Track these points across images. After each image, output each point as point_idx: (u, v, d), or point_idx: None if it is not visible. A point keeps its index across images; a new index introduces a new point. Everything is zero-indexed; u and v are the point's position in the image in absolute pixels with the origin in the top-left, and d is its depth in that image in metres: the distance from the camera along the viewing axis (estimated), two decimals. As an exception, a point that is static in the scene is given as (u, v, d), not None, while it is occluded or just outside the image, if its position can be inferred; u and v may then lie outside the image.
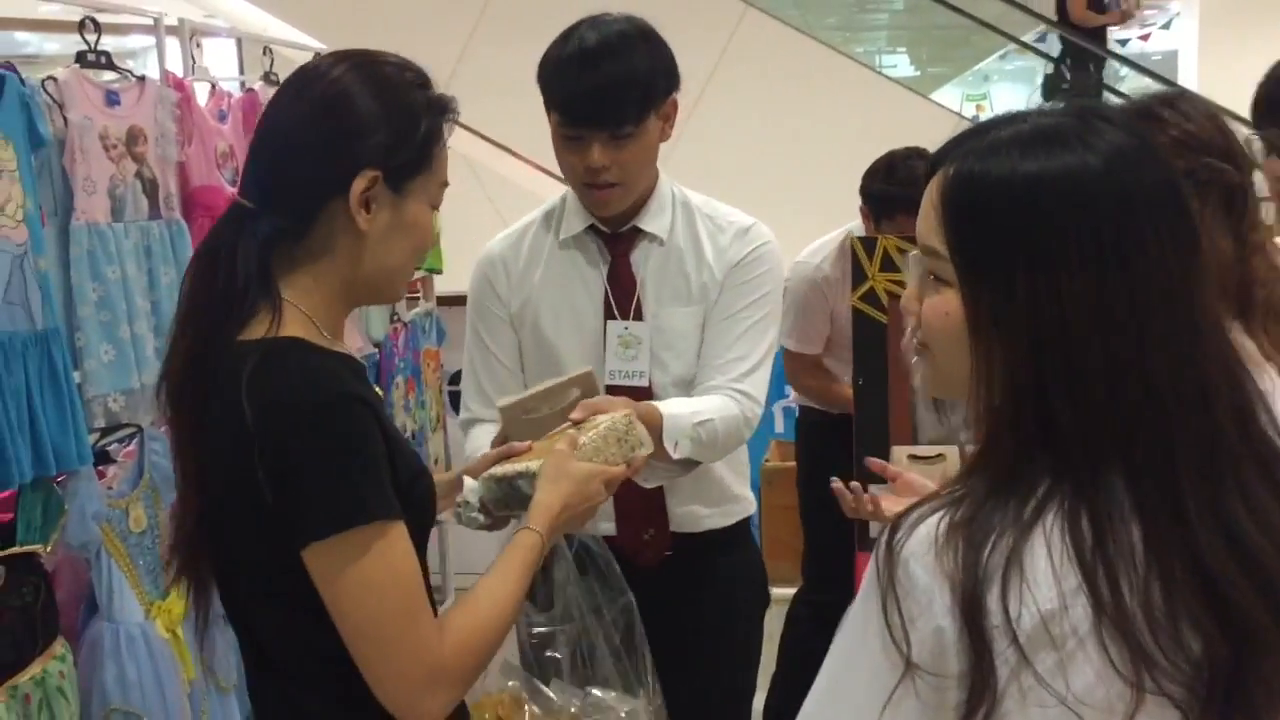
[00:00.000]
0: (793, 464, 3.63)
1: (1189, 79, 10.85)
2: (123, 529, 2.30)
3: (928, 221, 0.98)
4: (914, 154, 2.95)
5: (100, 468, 2.34)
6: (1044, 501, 0.88)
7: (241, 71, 3.45)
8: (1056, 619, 0.85)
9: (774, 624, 3.41)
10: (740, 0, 6.15)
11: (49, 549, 2.11)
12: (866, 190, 3.04)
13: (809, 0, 9.38)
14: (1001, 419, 0.91)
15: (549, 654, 1.84)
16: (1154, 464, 0.88)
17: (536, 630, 1.83)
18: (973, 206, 0.94)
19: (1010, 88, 14.94)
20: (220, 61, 3.48)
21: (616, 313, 2.02)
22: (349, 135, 1.30)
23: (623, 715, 1.69)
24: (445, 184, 1.43)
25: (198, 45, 2.67)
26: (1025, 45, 7.74)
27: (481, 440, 1.97)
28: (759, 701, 3.18)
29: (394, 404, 3.58)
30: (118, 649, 2.24)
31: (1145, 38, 14.17)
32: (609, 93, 1.87)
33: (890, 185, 2.96)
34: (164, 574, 2.34)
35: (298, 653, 1.33)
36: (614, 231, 2.04)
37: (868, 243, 2.50)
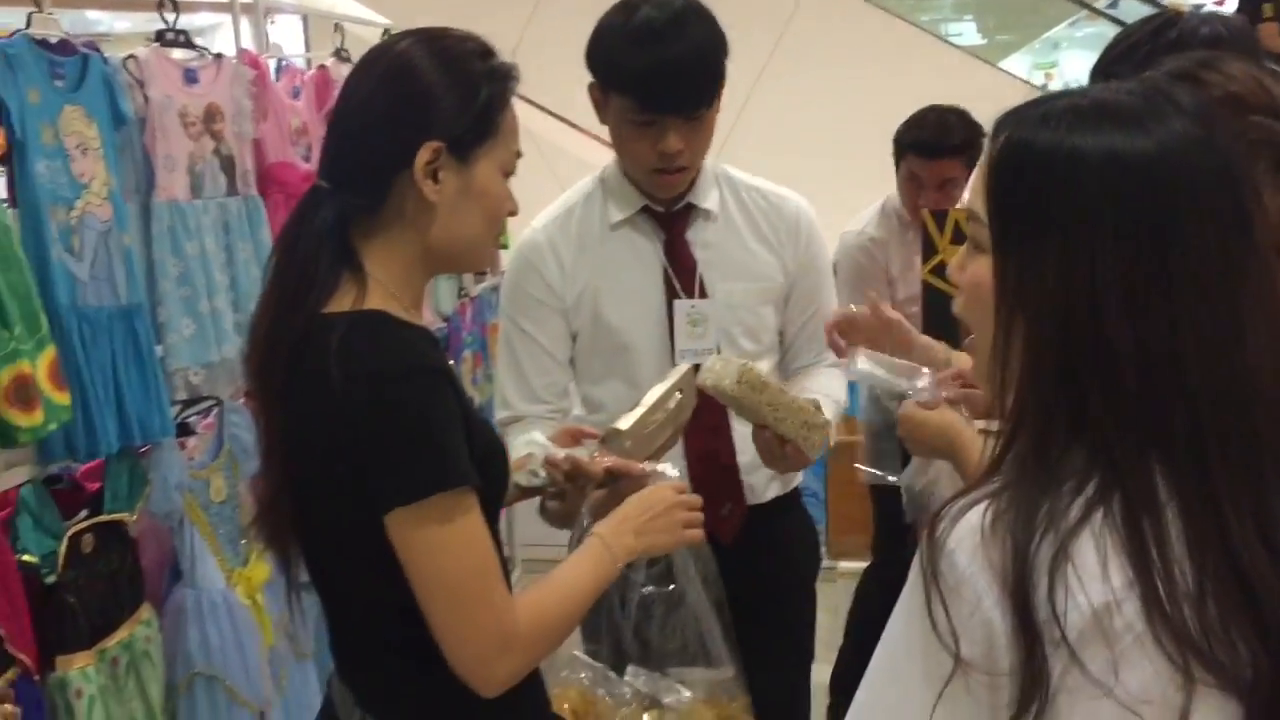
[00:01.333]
0: (859, 438, 3.62)
1: (1267, 44, 10.57)
2: (204, 499, 2.36)
3: (975, 187, 0.97)
4: (950, 110, 2.93)
5: (181, 439, 2.40)
6: (1090, 494, 0.85)
7: (307, 48, 3.49)
8: (1110, 614, 0.83)
9: (841, 598, 3.43)
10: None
11: (134, 517, 2.17)
12: (897, 142, 3.07)
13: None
14: (1028, 403, 0.89)
15: (642, 623, 1.84)
16: (1189, 459, 0.86)
17: (644, 590, 1.82)
18: (1015, 174, 0.92)
19: (1080, 55, 14.61)
20: (287, 39, 3.52)
21: (680, 291, 2.02)
22: (410, 109, 1.34)
23: (697, 696, 1.70)
24: (519, 152, 1.45)
25: (271, 22, 2.70)
26: (1097, 11, 7.55)
27: (538, 439, 1.90)
28: (824, 674, 3.20)
29: (461, 378, 3.62)
30: (200, 614, 2.29)
31: (1220, 1, 13.82)
32: (685, 74, 1.83)
33: (904, 128, 3.00)
34: (243, 539, 2.41)
35: (379, 612, 1.36)
36: (668, 210, 2.03)
37: (938, 215, 2.49)
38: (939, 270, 2.46)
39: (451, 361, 3.57)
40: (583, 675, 1.75)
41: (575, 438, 1.75)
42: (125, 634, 2.12)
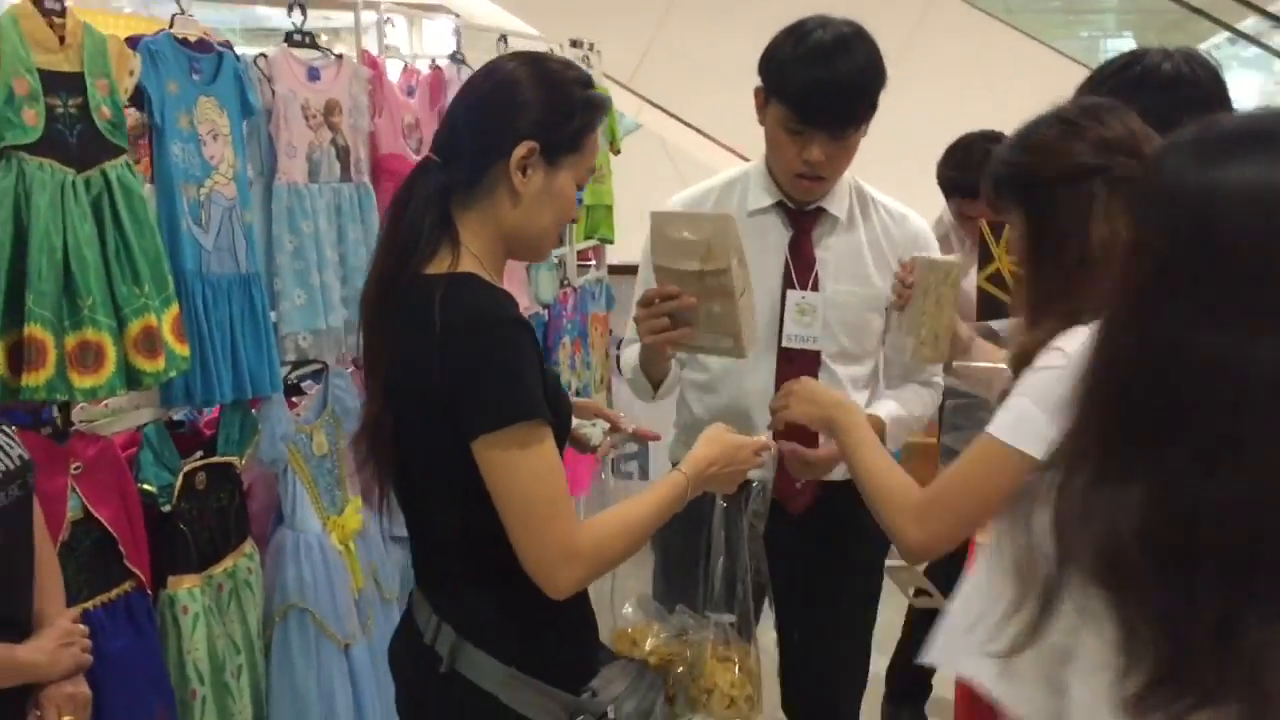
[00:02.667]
0: (934, 440, 3.72)
1: None
2: (307, 451, 2.64)
3: None
4: (988, 137, 3.04)
5: (292, 399, 2.68)
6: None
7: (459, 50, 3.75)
8: None
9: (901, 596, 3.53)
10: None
11: (243, 461, 2.46)
12: (940, 169, 3.20)
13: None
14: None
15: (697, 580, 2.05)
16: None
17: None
18: None
19: (1241, 74, 14.19)
20: (436, 41, 3.80)
21: (796, 282, 2.20)
22: (516, 112, 1.60)
23: (706, 638, 1.88)
24: (593, 170, 1.73)
25: (391, 25, 2.97)
26: (1238, 33, 7.40)
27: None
28: (882, 666, 3.32)
29: (559, 362, 3.85)
30: (298, 553, 2.57)
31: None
32: (840, 95, 2.05)
33: (949, 169, 3.13)
34: (339, 491, 2.68)
35: (455, 531, 1.60)
36: (800, 209, 2.22)
37: (995, 227, 2.60)
38: (995, 278, 2.57)
39: (548, 349, 3.81)
40: (640, 611, 1.96)
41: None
42: (230, 563, 2.40)
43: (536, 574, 1.52)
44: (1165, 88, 1.76)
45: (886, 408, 2.18)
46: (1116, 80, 1.80)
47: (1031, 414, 1.50)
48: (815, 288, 2.20)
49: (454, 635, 1.57)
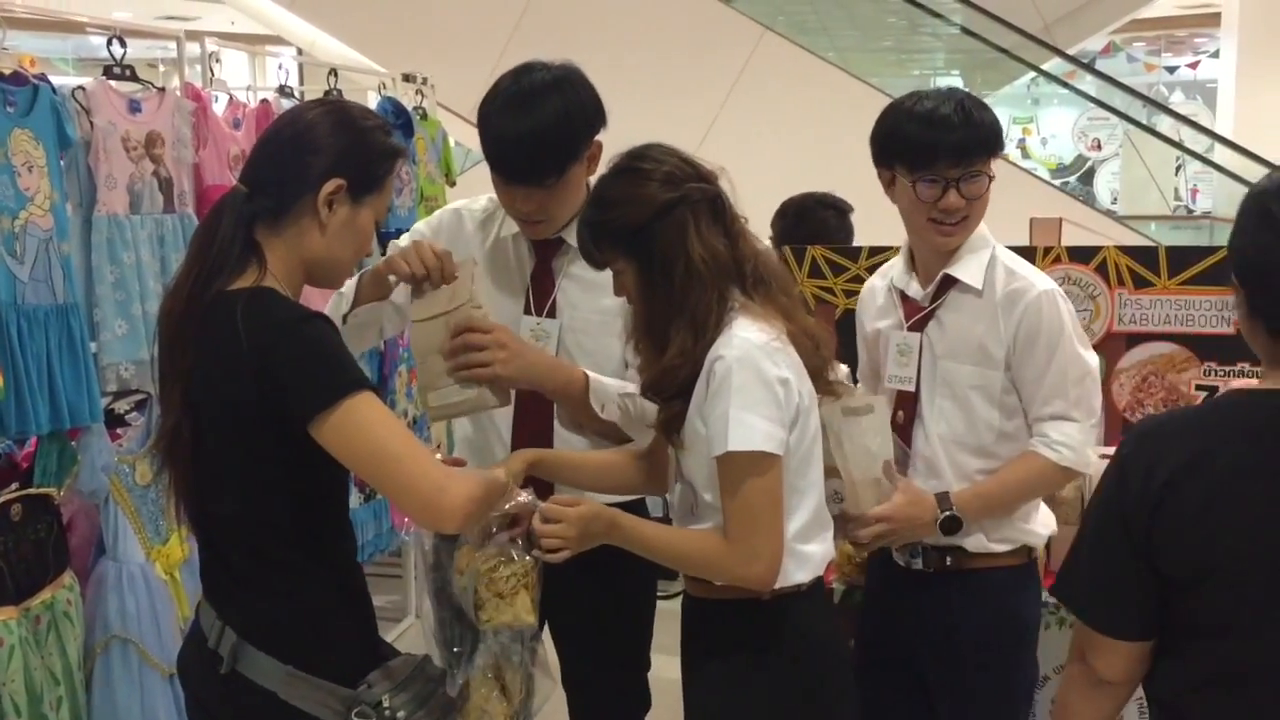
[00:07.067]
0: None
1: (1226, 108, 10.95)
2: (129, 481, 2.64)
3: None
4: (828, 204, 3.22)
5: (116, 430, 2.68)
6: None
7: (301, 82, 3.74)
8: None
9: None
10: (757, 24, 6.41)
11: (62, 492, 2.45)
12: (774, 225, 3.30)
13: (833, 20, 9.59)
14: None
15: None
16: None
17: None
18: None
19: (1060, 111, 15.05)
20: (281, 75, 3.81)
21: (533, 309, 2.25)
22: (326, 151, 1.70)
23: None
24: (390, 208, 1.85)
25: (217, 60, 3.01)
26: (1041, 72, 7.89)
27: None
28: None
29: (395, 391, 3.89)
30: (120, 584, 2.57)
31: (1194, 65, 14.25)
32: (523, 152, 2.04)
33: (791, 228, 3.22)
34: (164, 521, 2.68)
35: (242, 536, 1.67)
36: (542, 239, 2.25)
37: (798, 251, 2.78)
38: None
39: (384, 378, 3.86)
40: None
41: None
42: (48, 595, 2.39)
43: (422, 513, 1.60)
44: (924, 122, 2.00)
45: (597, 378, 2.16)
46: (897, 111, 2.04)
47: (745, 418, 1.69)
48: (553, 314, 2.24)
49: (235, 637, 1.64)
